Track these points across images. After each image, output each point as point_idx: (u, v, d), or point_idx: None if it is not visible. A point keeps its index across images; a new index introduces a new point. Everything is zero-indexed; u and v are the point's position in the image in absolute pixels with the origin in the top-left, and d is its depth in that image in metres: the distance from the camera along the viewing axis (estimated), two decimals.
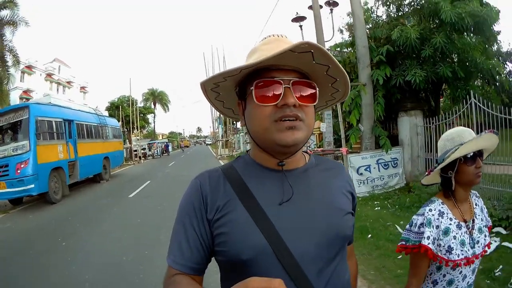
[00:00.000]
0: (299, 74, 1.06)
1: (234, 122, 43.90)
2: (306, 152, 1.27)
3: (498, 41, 10.09)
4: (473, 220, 1.84)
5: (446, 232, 1.76)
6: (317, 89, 1.06)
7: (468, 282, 1.82)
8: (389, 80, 9.22)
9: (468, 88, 8.85)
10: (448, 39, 8.51)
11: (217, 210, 1.06)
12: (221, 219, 1.05)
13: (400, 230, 6.15)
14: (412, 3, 10.02)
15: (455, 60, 9.64)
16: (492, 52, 9.92)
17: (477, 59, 8.78)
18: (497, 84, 9.90)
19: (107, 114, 21.10)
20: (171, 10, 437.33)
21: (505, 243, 5.12)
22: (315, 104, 1.07)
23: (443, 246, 1.75)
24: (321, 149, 10.78)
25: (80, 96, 52.94)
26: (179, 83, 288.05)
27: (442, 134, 6.16)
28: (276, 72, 1.03)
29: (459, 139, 1.76)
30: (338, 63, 1.03)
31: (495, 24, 8.95)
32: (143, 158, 35.53)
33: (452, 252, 1.74)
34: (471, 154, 1.74)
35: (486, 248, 1.85)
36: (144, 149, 37.98)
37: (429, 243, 1.72)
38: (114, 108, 40.72)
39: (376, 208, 7.94)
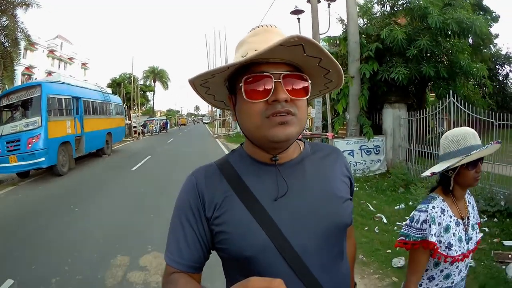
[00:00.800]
0: (290, 67, 1.03)
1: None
2: (300, 139, 1.23)
3: (495, 44, 10.67)
4: (468, 217, 1.91)
5: (447, 229, 1.82)
6: (309, 81, 1.04)
7: (462, 276, 1.91)
8: (376, 74, 9.92)
9: (451, 88, 9.45)
10: (433, 41, 9.20)
11: (215, 208, 1.06)
12: (220, 217, 1.05)
13: (371, 208, 7.04)
14: (405, 4, 10.66)
15: (444, 60, 10.32)
16: (485, 55, 10.52)
17: (461, 61, 9.52)
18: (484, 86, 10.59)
19: (110, 91, 21.78)
20: None
21: None
22: (307, 97, 1.05)
23: (443, 243, 1.80)
24: (310, 132, 11.63)
25: (81, 72, 53.20)
26: (180, 62, 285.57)
27: (423, 127, 6.98)
28: (266, 66, 1.00)
29: (464, 142, 1.80)
30: (330, 54, 1.01)
31: (487, 29, 9.54)
32: (142, 135, 36.18)
33: (452, 248, 1.79)
34: (475, 161, 1.80)
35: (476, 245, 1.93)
36: (142, 125, 38.42)
37: (435, 240, 1.77)
38: (115, 85, 41.11)
39: (355, 189, 8.75)
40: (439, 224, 1.79)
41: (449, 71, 9.76)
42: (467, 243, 1.85)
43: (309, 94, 1.04)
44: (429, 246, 1.76)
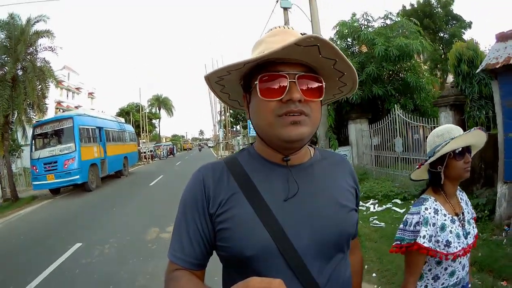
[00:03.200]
0: (305, 68, 1.01)
1: (234, 126, 46.90)
2: (310, 145, 1.22)
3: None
4: (463, 213, 1.91)
5: (443, 228, 1.80)
6: (324, 83, 1.03)
7: (466, 270, 1.90)
8: None
9: (401, 102, 11.79)
10: (380, 66, 11.46)
11: (220, 205, 1.04)
12: (224, 214, 1.03)
13: None
14: (360, 37, 12.63)
15: (399, 79, 12.50)
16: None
17: (409, 79, 11.70)
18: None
19: (123, 121, 24.92)
20: (174, 20, 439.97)
21: (394, 207, 7.62)
22: (321, 99, 1.03)
23: (441, 242, 1.78)
24: None
25: (88, 101, 54.31)
26: (182, 89, 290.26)
27: (377, 137, 9.56)
28: (282, 65, 0.99)
29: (448, 135, 1.82)
30: (345, 57, 0.99)
31: (419, 52, 11.87)
32: (151, 159, 38.90)
33: (451, 245, 1.78)
34: (460, 149, 1.80)
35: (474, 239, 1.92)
36: (151, 151, 41.06)
37: (424, 242, 1.74)
38: (124, 114, 44.27)
39: None
40: (434, 224, 1.79)
41: (403, 88, 12.07)
42: (466, 238, 1.85)
43: (323, 95, 1.03)
44: (422, 251, 1.76)
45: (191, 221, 1.07)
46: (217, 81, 1.12)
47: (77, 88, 52.00)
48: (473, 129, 1.84)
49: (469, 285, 1.99)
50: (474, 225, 1.97)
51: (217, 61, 44.34)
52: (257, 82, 0.99)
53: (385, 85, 11.89)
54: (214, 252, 1.11)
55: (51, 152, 14.59)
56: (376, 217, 6.95)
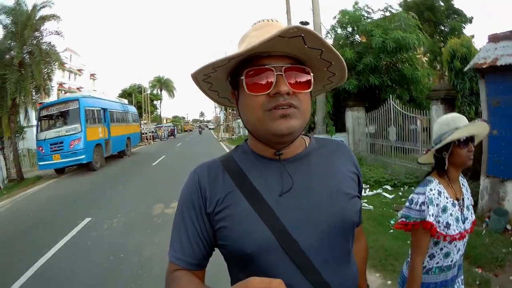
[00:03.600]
0: (292, 60, 1.00)
1: (234, 108, 47.23)
2: (306, 135, 1.22)
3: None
4: (463, 199, 2.00)
5: (444, 209, 1.90)
6: (312, 74, 1.02)
7: (460, 254, 1.99)
8: None
9: (397, 93, 12.14)
10: (377, 57, 11.79)
11: (217, 203, 1.04)
12: (221, 212, 1.03)
13: None
14: (359, 27, 13.09)
15: (397, 70, 12.77)
16: None
17: (405, 70, 12.15)
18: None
19: (127, 102, 25.42)
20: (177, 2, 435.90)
21: (384, 193, 8.07)
22: (310, 90, 1.02)
23: (442, 223, 1.88)
24: None
25: (90, 82, 54.60)
26: (184, 71, 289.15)
27: (374, 125, 10.01)
28: (268, 59, 0.98)
29: (454, 124, 1.90)
30: (331, 46, 0.98)
31: (415, 45, 12.20)
32: (152, 140, 39.40)
33: (450, 228, 1.87)
34: (464, 138, 1.89)
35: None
36: (152, 132, 41.50)
37: (433, 220, 1.85)
38: (126, 95, 44.88)
39: None
40: (437, 205, 1.87)
41: (399, 79, 12.44)
42: (463, 223, 1.92)
43: (311, 86, 1.02)
44: (427, 226, 1.84)
45: (189, 222, 1.08)
46: (204, 79, 1.11)
47: (79, 70, 51.95)
48: (476, 120, 1.95)
49: (462, 271, 2.09)
50: (473, 212, 2.04)
51: (225, 52, 44.43)
52: (243, 77, 0.99)
53: (381, 76, 12.22)
54: (214, 252, 1.13)
55: (57, 133, 15.09)
56: (366, 200, 7.32)
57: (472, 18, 25.10)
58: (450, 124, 1.92)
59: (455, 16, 25.02)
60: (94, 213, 8.14)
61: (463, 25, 24.83)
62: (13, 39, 15.18)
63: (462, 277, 2.12)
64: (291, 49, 0.98)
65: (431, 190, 1.91)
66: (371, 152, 11.98)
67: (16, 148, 16.28)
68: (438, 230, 1.87)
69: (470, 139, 1.92)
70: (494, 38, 6.61)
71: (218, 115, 53.65)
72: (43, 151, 14.92)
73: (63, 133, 14.97)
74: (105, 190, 11.25)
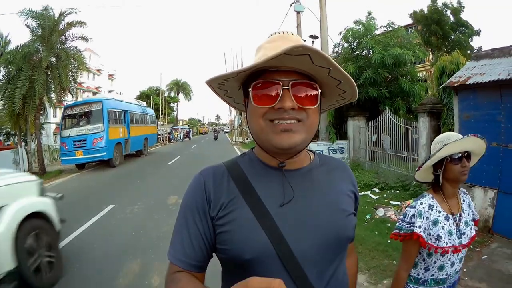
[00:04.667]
0: (301, 76, 1.01)
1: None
2: (311, 150, 1.25)
3: None
4: (460, 214, 2.04)
5: (435, 222, 1.96)
6: (319, 90, 1.03)
7: (456, 269, 2.03)
8: None
9: (395, 105, 12.99)
10: (376, 72, 12.65)
11: (220, 208, 1.06)
12: (224, 217, 1.05)
13: None
14: (361, 43, 13.94)
15: (393, 83, 13.61)
16: None
17: (402, 84, 12.99)
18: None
19: (145, 104, 26.94)
20: (196, 7, 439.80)
21: (371, 195, 8.91)
22: (315, 106, 1.03)
23: (433, 235, 1.95)
24: None
25: (108, 83, 56.94)
26: (201, 75, 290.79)
27: (372, 134, 11.00)
28: (277, 73, 1.00)
29: (447, 141, 1.95)
30: (338, 65, 0.98)
31: (411, 61, 13.07)
32: (168, 141, 40.58)
33: (441, 240, 1.93)
34: (458, 155, 1.95)
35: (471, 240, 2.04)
36: (168, 133, 42.64)
37: (420, 231, 1.94)
38: (144, 97, 46.40)
39: None
40: (427, 218, 1.97)
41: (397, 92, 13.30)
42: (459, 238, 1.97)
43: (318, 102, 1.03)
44: (415, 237, 1.94)
45: (192, 224, 1.08)
46: (219, 86, 1.13)
47: (97, 70, 52.85)
48: (467, 136, 1.94)
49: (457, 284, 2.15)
50: (473, 227, 2.07)
51: (236, 52, 45.52)
52: (250, 89, 1.01)
53: (380, 88, 13.04)
54: (215, 254, 1.12)
55: (80, 131, 16.40)
56: None
57: (480, 30, 25.76)
58: (442, 142, 1.99)
59: (464, 28, 25.52)
60: (117, 201, 9.41)
61: (471, 37, 25.51)
62: (41, 42, 16.44)
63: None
64: (300, 65, 0.99)
65: (421, 204, 2.02)
66: (369, 159, 12.77)
67: (40, 144, 17.64)
68: (429, 242, 1.95)
69: (466, 155, 1.98)
70: (477, 57, 7.34)
71: (233, 119, 54.22)
72: (67, 147, 16.26)
73: (86, 132, 16.28)
74: (125, 183, 12.58)
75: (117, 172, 15.73)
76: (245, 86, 1.09)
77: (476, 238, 2.25)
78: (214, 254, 1.13)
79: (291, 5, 15.75)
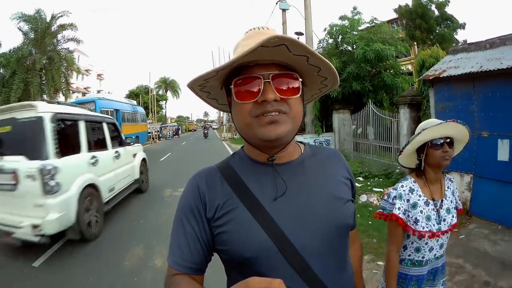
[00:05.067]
0: (281, 67, 1.03)
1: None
2: (301, 142, 1.26)
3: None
4: (442, 200, 2.06)
5: (414, 206, 2.00)
6: (300, 80, 1.04)
7: (435, 254, 2.05)
8: None
9: (378, 98, 13.55)
10: (358, 66, 13.14)
11: (217, 209, 1.07)
12: (221, 218, 1.06)
13: None
14: (346, 38, 14.62)
15: (377, 77, 14.10)
16: None
17: (385, 77, 13.51)
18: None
19: (135, 103, 27.23)
20: (183, 6, 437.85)
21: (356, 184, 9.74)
22: (298, 95, 1.04)
23: (411, 217, 2.00)
24: None
25: (97, 82, 56.03)
26: (189, 72, 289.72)
27: (357, 126, 11.95)
28: (256, 67, 1.01)
29: (425, 126, 1.99)
30: (315, 52, 1.00)
31: (393, 56, 13.58)
32: (158, 139, 40.76)
33: (418, 223, 1.98)
34: (440, 141, 1.97)
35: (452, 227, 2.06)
36: (158, 131, 42.80)
37: (399, 213, 2.00)
38: (133, 96, 46.69)
39: None
40: (408, 200, 2.02)
41: (380, 85, 13.82)
42: (438, 224, 2.00)
43: (300, 92, 1.04)
44: (394, 218, 2.00)
45: (188, 227, 1.09)
46: (201, 88, 1.14)
47: (86, 70, 51.89)
48: (445, 121, 1.95)
49: (444, 274, 2.18)
50: (455, 215, 2.08)
51: (223, 49, 45.60)
52: (232, 86, 1.03)
53: (363, 82, 13.51)
54: (214, 256, 1.14)
55: None
56: None
57: (465, 24, 26.06)
58: (421, 127, 2.02)
59: (448, 22, 25.91)
60: None
61: (456, 31, 25.87)
62: (34, 45, 16.75)
63: (444, 279, 2.19)
64: (278, 57, 1.00)
65: (402, 186, 2.06)
66: (355, 151, 13.26)
67: None
68: (407, 224, 2.00)
69: (448, 141, 1.99)
70: (454, 51, 7.80)
71: (222, 116, 54.38)
72: None
73: None
74: None
75: None
76: (227, 84, 1.10)
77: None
78: (214, 255, 1.16)
79: (276, 3, 16.20)
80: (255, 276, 0.79)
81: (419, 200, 2.02)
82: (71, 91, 20.77)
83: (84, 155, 6.28)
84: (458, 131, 2.02)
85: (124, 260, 5.19)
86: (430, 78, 7.25)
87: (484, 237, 5.40)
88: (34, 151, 5.21)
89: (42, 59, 16.57)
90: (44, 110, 5.44)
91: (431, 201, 2.04)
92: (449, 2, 25.48)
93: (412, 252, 2.06)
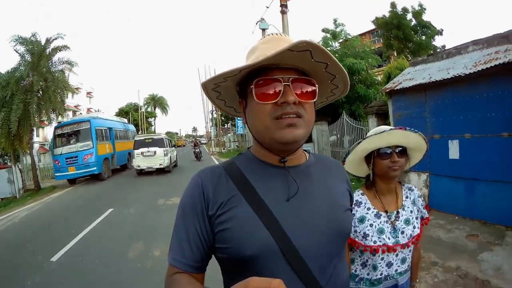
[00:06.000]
0: (298, 72, 1.05)
1: (225, 124, 48.72)
2: (305, 150, 1.27)
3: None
4: (398, 212, 1.92)
5: (362, 220, 1.87)
6: (317, 86, 1.06)
7: (397, 270, 1.89)
8: None
9: (353, 108, 14.60)
10: None
11: (220, 206, 1.06)
12: (224, 215, 1.05)
13: None
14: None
15: (351, 90, 15.10)
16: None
17: (358, 89, 14.51)
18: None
19: (126, 121, 28.60)
20: (169, 23, 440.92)
21: None
22: (314, 100, 1.07)
23: (359, 233, 1.87)
24: None
25: (86, 100, 55.62)
26: (176, 89, 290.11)
27: (335, 135, 13.86)
28: (276, 71, 1.03)
29: (368, 135, 1.87)
30: (336, 60, 1.03)
31: (363, 69, 14.67)
32: None
33: (368, 238, 1.85)
34: (388, 150, 1.83)
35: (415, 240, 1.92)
36: None
37: None
38: (123, 113, 47.48)
39: None
40: (353, 215, 1.85)
41: (355, 97, 14.79)
42: (394, 237, 1.86)
43: (316, 97, 1.06)
44: None
45: (190, 225, 1.08)
46: (214, 88, 1.15)
47: (76, 88, 52.47)
48: (389, 128, 1.82)
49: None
50: (417, 226, 1.95)
51: (209, 66, 46.83)
52: (252, 86, 1.03)
53: None
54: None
55: (71, 148, 17.63)
56: None
57: (442, 30, 26.74)
58: (366, 136, 1.90)
59: (425, 29, 26.33)
60: (115, 205, 10.91)
61: (434, 37, 26.39)
62: (31, 68, 17.54)
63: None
64: (298, 62, 1.03)
65: None
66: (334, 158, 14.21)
67: (34, 162, 18.80)
68: (356, 240, 1.88)
69: (398, 150, 1.85)
70: (414, 63, 8.71)
71: (210, 131, 55.32)
72: (59, 164, 17.41)
73: (77, 149, 17.53)
74: (118, 191, 14.23)
75: (108, 184, 17.02)
76: (242, 86, 1.12)
77: None
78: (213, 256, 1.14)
79: (256, 23, 17.36)
80: (254, 275, 0.79)
81: (367, 213, 1.92)
82: (66, 110, 21.67)
83: (170, 149, 20.32)
84: (411, 140, 1.88)
85: (129, 251, 6.34)
86: (387, 90, 8.13)
87: (439, 226, 5.96)
88: (161, 146, 19.31)
89: (39, 81, 17.46)
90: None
91: (383, 213, 1.92)
92: (425, 10, 26.17)
93: (370, 271, 1.90)
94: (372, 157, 1.90)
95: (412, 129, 1.83)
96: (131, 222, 8.71)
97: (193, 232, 1.08)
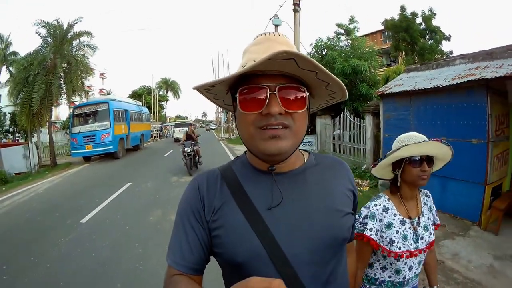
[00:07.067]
0: (289, 79, 1.00)
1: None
2: (305, 150, 1.25)
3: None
4: (419, 218, 1.94)
5: (389, 226, 1.87)
6: (307, 93, 1.02)
7: (415, 272, 1.94)
8: None
9: (355, 105, 15.29)
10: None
11: (213, 212, 1.08)
12: (217, 221, 1.06)
13: None
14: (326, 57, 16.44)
15: (355, 88, 15.80)
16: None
17: (361, 88, 15.39)
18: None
19: (141, 104, 29.89)
20: (185, 9, 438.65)
21: None
22: (303, 110, 1.02)
23: (385, 238, 1.87)
24: None
25: (99, 81, 56.97)
26: (189, 73, 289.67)
27: (337, 130, 14.84)
28: (263, 77, 0.98)
29: (405, 142, 1.86)
30: (324, 68, 0.96)
31: (366, 70, 15.45)
32: (159, 138, 42.90)
33: (394, 244, 1.85)
34: (418, 157, 1.84)
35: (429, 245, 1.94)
36: (159, 130, 44.98)
37: (371, 234, 1.86)
38: (136, 96, 48.41)
39: None
40: (381, 220, 1.88)
41: (358, 95, 15.62)
42: (416, 242, 1.88)
43: (306, 105, 1.02)
44: (366, 239, 1.86)
45: (189, 228, 1.09)
46: (207, 91, 1.12)
47: (90, 69, 54.15)
48: (429, 139, 1.83)
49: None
50: (433, 232, 1.98)
51: (222, 55, 47.23)
52: (237, 95, 1.00)
53: None
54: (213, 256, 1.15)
55: (89, 128, 18.74)
56: None
57: (450, 36, 26.99)
58: (404, 142, 1.88)
59: (434, 34, 26.63)
60: (132, 180, 12.26)
61: (441, 42, 26.66)
62: (54, 51, 18.62)
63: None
64: (286, 69, 0.97)
65: (375, 205, 1.93)
66: (333, 151, 15.07)
67: (52, 138, 19.97)
68: (381, 245, 1.88)
69: (427, 159, 1.87)
70: (408, 70, 9.24)
71: (220, 116, 55.55)
72: (77, 142, 18.51)
73: (94, 128, 18.64)
74: (134, 168, 15.36)
75: (122, 162, 18.25)
76: (233, 89, 1.07)
77: None
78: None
79: (270, 20, 18.27)
80: (253, 276, 0.79)
81: (394, 219, 1.91)
82: (86, 92, 22.88)
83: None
84: (441, 151, 1.91)
85: (148, 216, 7.56)
86: (379, 93, 8.98)
87: None
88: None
89: (62, 63, 18.53)
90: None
91: (407, 220, 1.92)
92: (435, 15, 26.58)
93: (393, 274, 1.93)
94: (403, 164, 1.90)
95: (446, 142, 1.86)
96: (149, 194, 9.93)
97: (192, 234, 1.09)
